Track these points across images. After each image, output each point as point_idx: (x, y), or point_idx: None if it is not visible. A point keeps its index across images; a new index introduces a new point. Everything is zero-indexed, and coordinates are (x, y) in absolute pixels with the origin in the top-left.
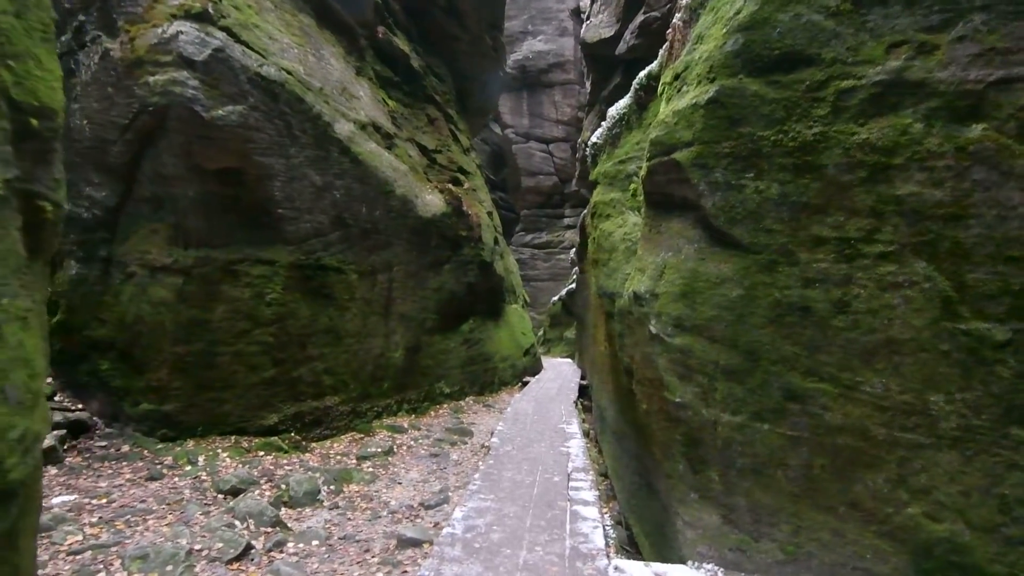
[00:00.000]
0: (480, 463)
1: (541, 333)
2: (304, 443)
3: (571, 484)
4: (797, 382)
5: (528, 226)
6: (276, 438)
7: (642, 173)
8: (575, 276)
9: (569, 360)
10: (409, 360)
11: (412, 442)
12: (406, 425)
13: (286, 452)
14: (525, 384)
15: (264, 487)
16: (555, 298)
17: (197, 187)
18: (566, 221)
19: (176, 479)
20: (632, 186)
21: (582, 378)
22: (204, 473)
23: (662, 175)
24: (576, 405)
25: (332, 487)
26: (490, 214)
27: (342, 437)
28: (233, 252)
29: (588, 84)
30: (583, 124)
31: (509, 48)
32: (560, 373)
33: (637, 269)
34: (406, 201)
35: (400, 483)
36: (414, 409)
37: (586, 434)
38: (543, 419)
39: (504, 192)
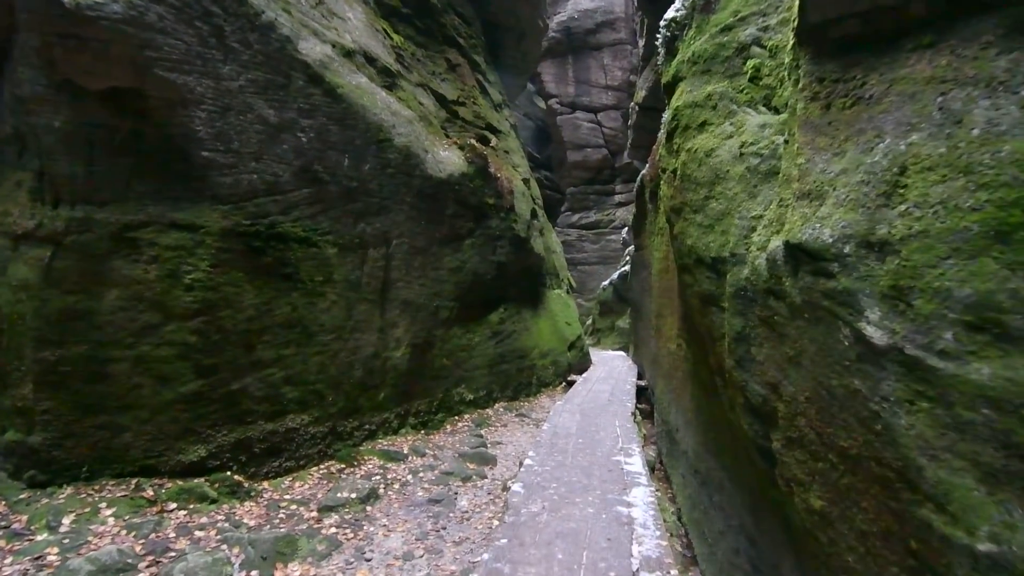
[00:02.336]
0: (496, 522)
1: (589, 322)
2: (251, 484)
3: None
4: None
5: (575, 205)
6: (203, 480)
7: None
8: (628, 256)
9: (622, 353)
10: (417, 360)
11: (409, 476)
12: (407, 449)
13: (214, 502)
14: (570, 384)
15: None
16: (605, 283)
17: (68, 114)
18: (617, 198)
19: (7, 560)
20: (751, 63)
21: (639, 376)
22: (56, 549)
23: None
24: (634, 417)
25: (256, 571)
26: (526, 182)
27: (312, 471)
28: (131, 212)
29: (641, 40)
30: (636, 85)
31: (552, 8)
32: (612, 370)
33: (796, 197)
34: (410, 155)
35: (369, 560)
36: (423, 423)
37: (652, 468)
38: (591, 444)
39: (549, 171)
